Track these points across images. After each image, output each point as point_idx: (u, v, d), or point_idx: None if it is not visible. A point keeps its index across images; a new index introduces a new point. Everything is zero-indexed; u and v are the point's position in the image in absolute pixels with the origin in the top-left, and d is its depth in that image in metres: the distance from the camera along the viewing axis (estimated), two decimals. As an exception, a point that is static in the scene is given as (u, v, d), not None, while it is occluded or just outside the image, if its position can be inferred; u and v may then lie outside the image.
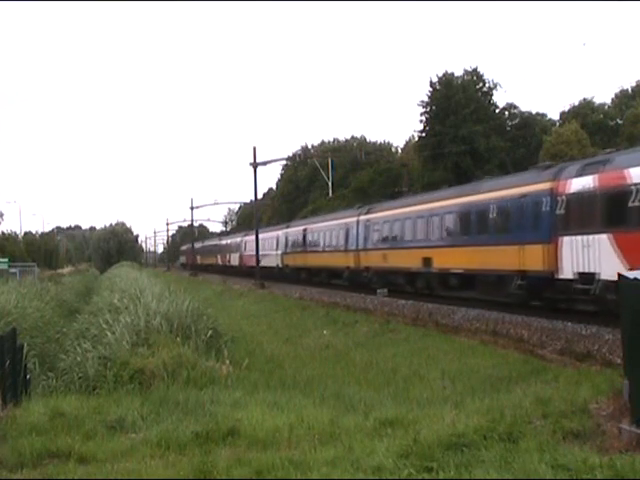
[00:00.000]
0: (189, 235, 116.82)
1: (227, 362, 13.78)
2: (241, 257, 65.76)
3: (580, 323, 17.79)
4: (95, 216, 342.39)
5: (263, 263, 53.07)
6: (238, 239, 69.26)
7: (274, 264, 54.09)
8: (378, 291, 30.29)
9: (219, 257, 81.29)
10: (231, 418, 9.08)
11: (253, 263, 53.51)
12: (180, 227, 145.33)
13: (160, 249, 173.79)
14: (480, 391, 12.01)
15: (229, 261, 73.34)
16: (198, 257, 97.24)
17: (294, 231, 51.08)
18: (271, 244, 55.68)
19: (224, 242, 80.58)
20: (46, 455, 7.96)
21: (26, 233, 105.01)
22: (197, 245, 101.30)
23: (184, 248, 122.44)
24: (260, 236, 53.52)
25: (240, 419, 9.02)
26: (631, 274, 8.55)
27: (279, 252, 53.57)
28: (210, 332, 16.14)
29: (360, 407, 10.61)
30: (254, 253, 52.53)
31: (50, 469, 7.52)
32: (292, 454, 7.51)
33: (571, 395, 9.47)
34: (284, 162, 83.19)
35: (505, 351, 16.72)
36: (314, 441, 8.04)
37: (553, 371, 13.43)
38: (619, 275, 9.43)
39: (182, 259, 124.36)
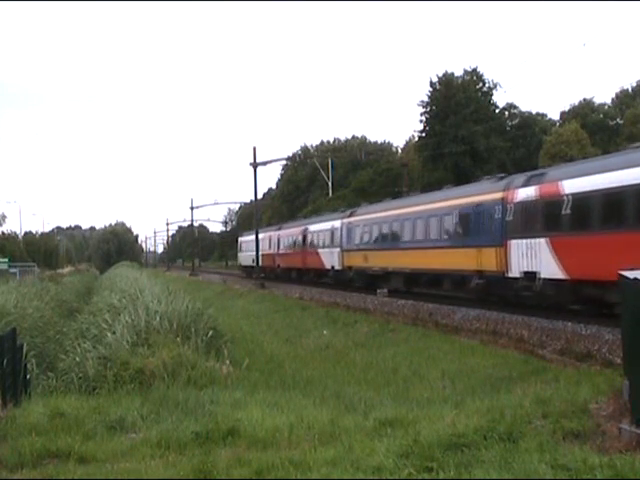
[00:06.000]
0: (189, 235, 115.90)
1: (227, 362, 13.79)
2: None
3: (580, 323, 17.75)
4: (95, 216, 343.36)
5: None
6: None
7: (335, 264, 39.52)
8: (378, 291, 30.33)
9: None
10: (231, 418, 9.08)
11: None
12: (180, 227, 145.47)
13: (160, 249, 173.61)
14: (480, 391, 12.00)
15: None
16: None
17: (363, 219, 36.30)
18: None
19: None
20: (46, 455, 7.97)
21: (26, 233, 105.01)
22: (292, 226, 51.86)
23: (262, 236, 53.20)
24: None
25: (240, 419, 9.02)
26: (631, 274, 8.50)
27: (338, 250, 39.13)
28: (210, 332, 16.14)
29: (360, 407, 10.60)
30: None
31: (50, 469, 7.52)
32: (292, 454, 7.50)
33: (571, 395, 9.45)
34: (284, 162, 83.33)
35: (505, 351, 16.68)
36: (314, 441, 8.04)
37: (553, 371, 13.41)
38: (619, 275, 9.40)
39: (242, 258, 65.83)
